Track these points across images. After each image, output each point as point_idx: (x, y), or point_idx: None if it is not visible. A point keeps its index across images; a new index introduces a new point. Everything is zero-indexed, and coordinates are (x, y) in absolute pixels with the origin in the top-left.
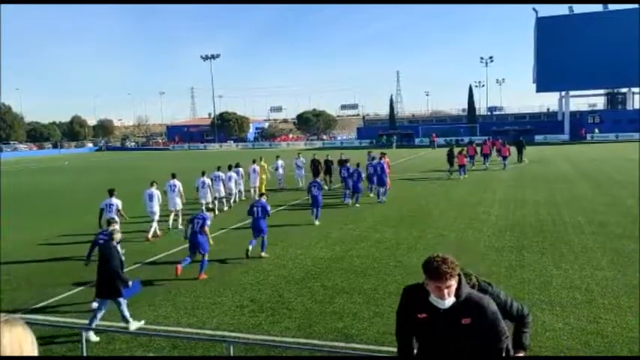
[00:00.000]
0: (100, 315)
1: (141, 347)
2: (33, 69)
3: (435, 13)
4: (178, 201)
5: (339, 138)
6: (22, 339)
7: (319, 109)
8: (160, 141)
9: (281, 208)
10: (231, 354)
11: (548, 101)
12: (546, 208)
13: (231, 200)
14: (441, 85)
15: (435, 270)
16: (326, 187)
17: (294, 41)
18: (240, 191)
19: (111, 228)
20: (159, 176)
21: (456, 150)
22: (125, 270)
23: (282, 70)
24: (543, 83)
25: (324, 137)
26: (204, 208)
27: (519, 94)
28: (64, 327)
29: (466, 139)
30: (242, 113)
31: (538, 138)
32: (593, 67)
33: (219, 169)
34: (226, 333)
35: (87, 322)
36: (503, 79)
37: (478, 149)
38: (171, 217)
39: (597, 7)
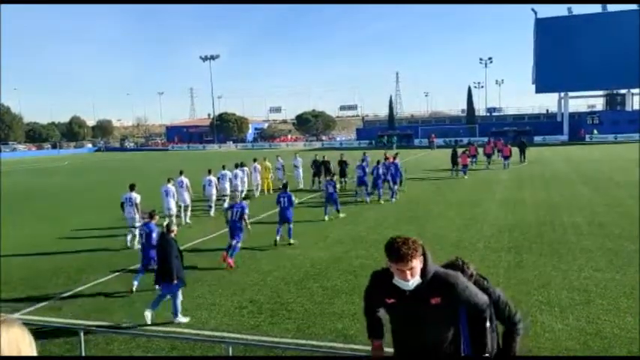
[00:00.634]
0: (178, 300)
1: (139, 348)
2: (32, 69)
3: (434, 14)
4: (187, 196)
5: (338, 139)
6: (19, 339)
7: (318, 110)
8: (159, 141)
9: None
10: (230, 355)
11: (548, 102)
12: (545, 209)
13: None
14: (440, 85)
15: (396, 252)
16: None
17: (293, 42)
18: (242, 190)
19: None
20: (158, 177)
21: (459, 150)
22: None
23: (281, 71)
24: (542, 84)
25: (324, 138)
26: (234, 196)
27: (518, 95)
28: (63, 327)
29: (465, 140)
30: (241, 114)
31: (537, 139)
32: (592, 68)
33: (224, 167)
34: (225, 334)
35: (85, 322)
36: (502, 80)
37: (480, 150)
38: (182, 212)
39: (596, 9)
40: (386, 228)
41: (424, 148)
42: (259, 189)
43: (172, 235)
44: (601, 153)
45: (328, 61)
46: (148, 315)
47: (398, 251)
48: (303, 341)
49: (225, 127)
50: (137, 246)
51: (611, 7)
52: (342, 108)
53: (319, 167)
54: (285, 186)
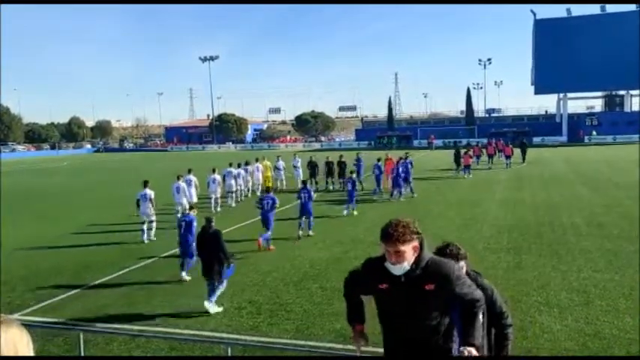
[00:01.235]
0: (219, 291)
1: (139, 348)
2: (31, 69)
3: (433, 15)
4: (194, 193)
5: (337, 139)
6: (17, 340)
7: (318, 111)
8: (159, 142)
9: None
10: (229, 355)
11: (547, 103)
12: (544, 210)
13: (241, 196)
14: (439, 87)
15: (385, 232)
16: (330, 187)
17: (292, 42)
18: (245, 189)
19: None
20: (159, 177)
21: (462, 151)
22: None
23: (280, 72)
24: (541, 85)
25: (323, 139)
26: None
27: (517, 96)
28: (62, 328)
29: (464, 141)
30: (240, 114)
31: (536, 140)
32: (592, 69)
33: (230, 165)
34: (224, 334)
35: (84, 322)
36: (501, 81)
37: (483, 150)
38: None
39: (595, 10)
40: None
41: (423, 149)
42: (260, 189)
43: (213, 226)
44: (600, 154)
45: (327, 61)
46: (208, 305)
47: (386, 232)
48: (302, 342)
49: (224, 128)
50: (153, 238)
51: (610, 8)
52: (342, 109)
53: (315, 168)
54: (305, 182)
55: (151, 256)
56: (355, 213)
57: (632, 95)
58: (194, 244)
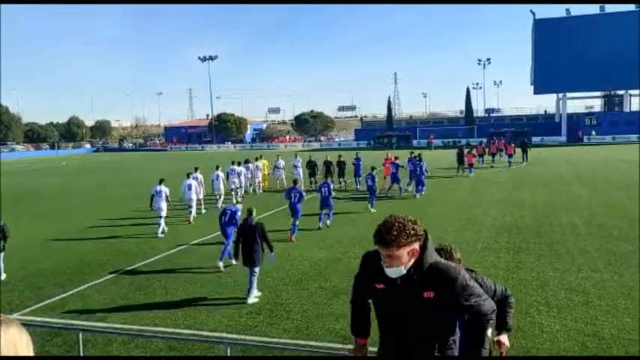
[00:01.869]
0: (253, 280)
1: (138, 348)
2: (31, 69)
3: (432, 15)
4: (201, 190)
5: (336, 139)
6: (16, 340)
7: (317, 111)
8: (158, 142)
9: (279, 209)
10: (229, 355)
11: (546, 103)
12: (543, 210)
13: (241, 193)
14: (438, 86)
15: (377, 234)
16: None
17: (292, 42)
18: (244, 186)
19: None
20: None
21: (465, 150)
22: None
23: (280, 72)
24: (541, 85)
25: (322, 139)
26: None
27: (517, 96)
28: (61, 328)
29: (464, 141)
30: (240, 114)
31: (535, 140)
32: (591, 69)
33: (233, 163)
34: (224, 334)
35: (83, 322)
36: (500, 81)
37: (486, 150)
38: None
39: (594, 10)
40: None
41: (422, 149)
42: (261, 186)
43: (254, 218)
44: (599, 154)
45: (327, 61)
46: (251, 296)
47: (379, 234)
48: (302, 342)
49: (223, 128)
50: (160, 235)
51: (609, 8)
52: (341, 109)
53: (314, 168)
54: (326, 177)
55: (150, 256)
56: (373, 211)
57: (631, 95)
58: (231, 231)
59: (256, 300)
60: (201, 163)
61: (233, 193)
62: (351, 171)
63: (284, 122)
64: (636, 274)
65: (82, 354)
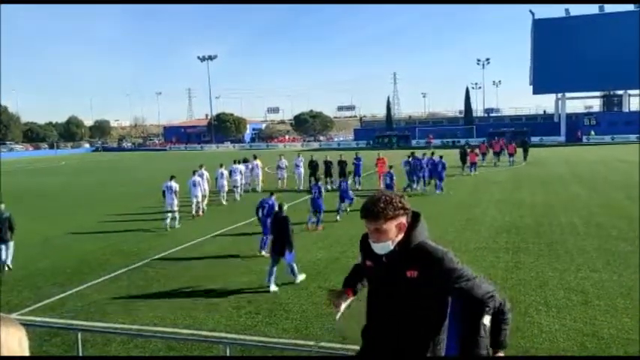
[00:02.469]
0: (274, 271)
1: (137, 348)
2: (30, 69)
3: (431, 15)
4: (207, 186)
5: (336, 139)
6: (9, 339)
7: (316, 111)
8: (157, 142)
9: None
10: (228, 355)
11: (545, 103)
12: (542, 210)
13: (240, 191)
14: (438, 86)
15: (364, 207)
16: (329, 187)
17: (291, 42)
18: (244, 184)
19: (278, 201)
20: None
21: (468, 150)
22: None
23: (279, 71)
24: (540, 85)
25: (322, 138)
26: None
27: (516, 96)
28: (60, 328)
29: (463, 141)
30: (239, 114)
31: (534, 140)
32: (590, 69)
33: (235, 162)
34: (223, 334)
35: (82, 322)
36: (499, 81)
37: (489, 149)
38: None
39: (594, 10)
40: None
41: (421, 149)
42: (260, 185)
43: (284, 211)
44: (598, 154)
45: (326, 61)
46: (273, 287)
47: (365, 206)
48: (302, 342)
49: (223, 128)
50: (177, 226)
51: (609, 8)
52: (340, 108)
53: (315, 168)
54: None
55: (149, 255)
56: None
57: (630, 95)
58: (269, 222)
59: (303, 277)
60: (201, 162)
61: (235, 190)
62: (351, 171)
63: (283, 122)
64: (635, 274)
65: (81, 354)
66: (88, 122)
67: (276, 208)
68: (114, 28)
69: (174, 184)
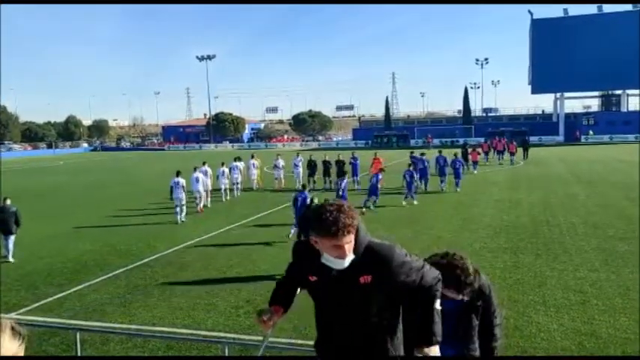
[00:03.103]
0: None
1: (136, 348)
2: (28, 69)
3: (430, 15)
4: (209, 183)
5: (334, 139)
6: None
7: (315, 110)
8: (156, 141)
9: (277, 208)
10: (227, 355)
11: (544, 103)
12: (541, 209)
13: (241, 187)
14: (436, 86)
15: (334, 223)
16: (327, 187)
17: (290, 42)
18: (238, 182)
19: (311, 195)
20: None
21: (470, 149)
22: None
23: (278, 71)
24: (538, 85)
25: (320, 138)
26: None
27: (514, 96)
28: (59, 327)
29: (462, 140)
30: (238, 114)
31: (533, 139)
32: (588, 69)
33: (235, 159)
34: (222, 334)
35: (81, 322)
36: (498, 81)
37: (492, 148)
38: (205, 196)
39: (592, 9)
40: (381, 228)
41: (420, 149)
42: (255, 184)
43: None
44: (596, 154)
45: (325, 61)
46: None
47: (336, 222)
48: (300, 341)
49: (221, 127)
50: (184, 219)
51: (607, 8)
52: (339, 108)
53: (314, 167)
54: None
55: (148, 255)
56: (415, 203)
57: (628, 95)
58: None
59: None
60: (199, 161)
61: (235, 187)
62: (347, 171)
63: (282, 122)
64: (633, 274)
65: (79, 354)
66: (87, 122)
67: (308, 201)
68: (113, 28)
69: (182, 180)
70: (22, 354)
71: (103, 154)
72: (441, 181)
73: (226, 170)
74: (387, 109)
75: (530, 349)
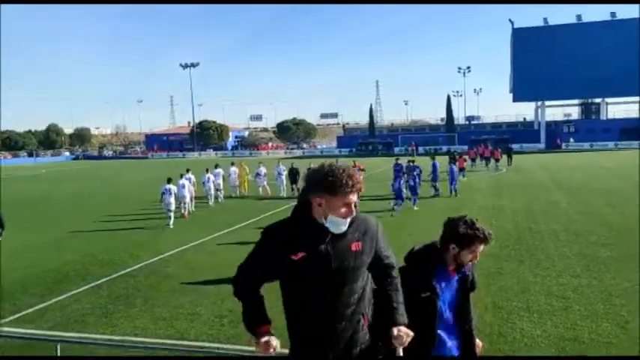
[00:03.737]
0: None
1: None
2: (8, 77)
3: (413, 24)
4: (193, 190)
5: (319, 147)
6: None
7: (299, 118)
8: (139, 150)
9: (262, 216)
10: None
11: (525, 111)
12: (523, 216)
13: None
14: (419, 94)
15: (349, 179)
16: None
17: (273, 50)
18: (219, 190)
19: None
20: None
21: (457, 156)
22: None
23: (262, 79)
24: (519, 93)
25: (305, 146)
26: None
27: (496, 104)
28: (39, 339)
29: (445, 148)
30: (222, 121)
31: (515, 147)
32: (568, 78)
33: (215, 167)
34: (205, 344)
35: (61, 333)
36: (480, 89)
37: (478, 154)
38: (190, 202)
39: (571, 19)
40: None
41: (404, 156)
42: (239, 192)
43: None
44: (577, 161)
45: (309, 68)
46: None
47: (352, 178)
48: (286, 350)
49: (205, 135)
50: (171, 226)
51: (586, 18)
52: (323, 116)
53: (296, 175)
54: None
55: (131, 265)
56: (415, 208)
57: (607, 103)
58: None
59: None
60: (183, 170)
61: (219, 193)
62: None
63: (266, 129)
64: (614, 280)
65: None
66: (69, 130)
67: None
68: (95, 35)
69: (172, 187)
70: None
71: (85, 163)
72: (434, 187)
73: (211, 177)
74: (371, 117)
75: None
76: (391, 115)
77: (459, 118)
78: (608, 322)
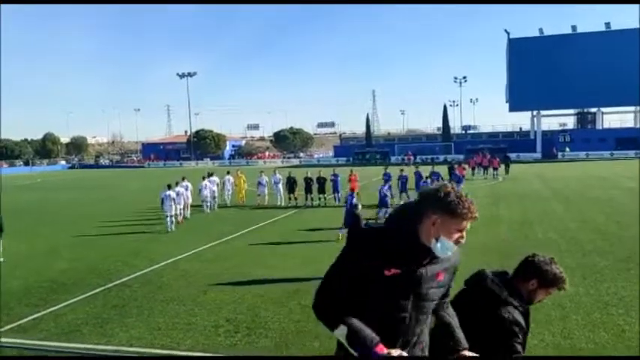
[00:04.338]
0: None
1: None
2: (5, 85)
3: (410, 34)
4: (189, 196)
5: (315, 156)
6: None
7: (296, 127)
8: (135, 159)
9: (258, 225)
10: None
11: (521, 120)
12: (520, 225)
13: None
14: (416, 104)
15: (471, 206)
16: (309, 204)
17: (271, 59)
18: (215, 197)
19: (356, 200)
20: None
21: (456, 165)
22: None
23: (259, 88)
24: (515, 103)
25: (301, 155)
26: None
27: (493, 114)
28: (34, 349)
29: (441, 158)
30: (219, 131)
31: (511, 156)
32: (564, 88)
33: (209, 175)
34: (201, 354)
35: (55, 343)
36: (476, 99)
37: (477, 164)
38: (185, 209)
39: (567, 30)
40: None
41: (398, 165)
42: (230, 199)
43: (358, 211)
44: (573, 170)
45: (306, 78)
46: None
47: (472, 206)
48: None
49: (202, 144)
50: (173, 229)
51: (580, 29)
52: (320, 125)
53: (293, 184)
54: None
55: (126, 274)
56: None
57: (603, 113)
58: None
59: None
60: (180, 178)
61: (214, 200)
62: (329, 187)
63: (263, 139)
64: (611, 289)
65: None
66: (65, 139)
67: (355, 198)
68: (91, 43)
69: (172, 193)
70: None
71: (81, 172)
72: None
73: (208, 184)
74: (368, 126)
75: None
76: (388, 125)
77: (456, 127)
78: (605, 332)
